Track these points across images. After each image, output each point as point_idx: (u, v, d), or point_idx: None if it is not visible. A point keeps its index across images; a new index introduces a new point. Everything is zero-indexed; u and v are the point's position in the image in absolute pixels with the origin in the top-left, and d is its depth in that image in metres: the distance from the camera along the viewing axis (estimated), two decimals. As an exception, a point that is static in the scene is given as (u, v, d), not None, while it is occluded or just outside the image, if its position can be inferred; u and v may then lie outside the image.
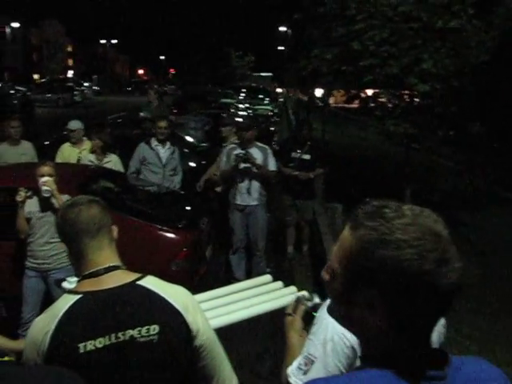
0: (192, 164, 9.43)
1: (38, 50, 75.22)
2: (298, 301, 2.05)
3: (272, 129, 20.41)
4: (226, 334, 2.40)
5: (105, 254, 1.95)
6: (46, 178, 4.78)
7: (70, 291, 1.91)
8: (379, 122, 9.48)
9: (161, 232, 5.52)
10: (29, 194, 4.84)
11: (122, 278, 1.91)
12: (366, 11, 8.73)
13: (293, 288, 3.03)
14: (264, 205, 6.89)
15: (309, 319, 1.99)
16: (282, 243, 8.15)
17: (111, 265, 1.93)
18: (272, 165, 6.80)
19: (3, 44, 65.51)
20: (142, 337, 1.82)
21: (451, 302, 1.11)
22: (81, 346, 1.76)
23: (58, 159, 7.29)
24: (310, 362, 1.84)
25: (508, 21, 8.37)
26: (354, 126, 24.11)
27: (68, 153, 7.48)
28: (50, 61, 74.26)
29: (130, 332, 1.81)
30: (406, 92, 9.44)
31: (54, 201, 4.82)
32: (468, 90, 8.77)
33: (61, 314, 1.80)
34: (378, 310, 1.10)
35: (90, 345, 1.77)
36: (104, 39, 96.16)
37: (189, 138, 11.31)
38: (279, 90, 54.33)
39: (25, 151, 7.51)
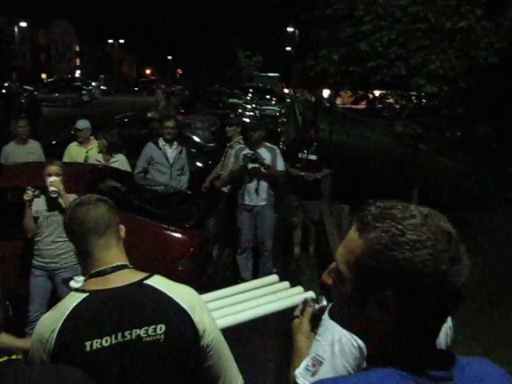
0: (199, 164, 9.43)
1: (46, 49, 75.53)
2: (305, 303, 2.04)
3: (279, 129, 20.41)
4: (232, 333, 2.40)
5: (112, 253, 1.95)
6: (53, 178, 4.79)
7: (77, 289, 1.91)
8: (387, 123, 9.46)
9: (168, 232, 5.52)
10: (36, 193, 4.85)
11: (130, 277, 1.91)
12: (373, 12, 8.71)
13: (299, 288, 3.02)
14: (272, 205, 6.89)
15: (316, 321, 1.98)
16: (288, 244, 8.14)
17: (118, 264, 1.93)
18: (280, 165, 6.79)
19: (11, 44, 65.78)
20: (149, 336, 1.81)
21: (460, 301, 1.11)
22: (87, 344, 1.76)
23: (66, 158, 7.30)
24: (317, 363, 1.84)
25: (517, 22, 8.33)
26: (362, 127, 24.08)
27: (75, 152, 7.50)
28: (58, 61, 74.55)
29: (137, 331, 1.81)
30: (414, 93, 9.42)
31: (61, 200, 4.83)
32: (476, 91, 8.74)
33: (67, 311, 1.80)
34: (390, 311, 1.09)
35: (97, 343, 1.77)
36: (111, 39, 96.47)
37: (196, 138, 11.32)
38: (286, 91, 54.33)
39: (32, 150, 7.53)
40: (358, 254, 1.12)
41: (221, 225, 7.00)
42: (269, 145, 6.90)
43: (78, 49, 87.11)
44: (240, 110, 19.30)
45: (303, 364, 1.87)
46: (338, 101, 28.38)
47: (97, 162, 6.95)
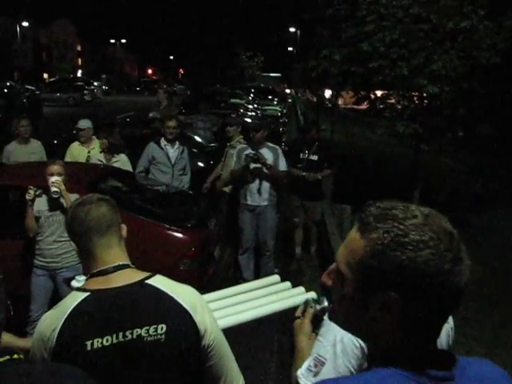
0: (201, 164, 9.43)
1: (48, 49, 75.58)
2: (307, 304, 2.04)
3: (281, 129, 20.39)
4: (233, 334, 2.40)
5: (114, 253, 1.95)
6: (55, 178, 4.79)
7: (79, 289, 1.90)
8: (389, 124, 9.46)
9: (169, 231, 5.52)
10: (38, 192, 4.85)
11: (131, 276, 1.91)
12: (376, 12, 8.71)
13: (301, 288, 3.02)
14: (274, 205, 6.89)
15: (317, 322, 1.98)
16: (290, 244, 8.14)
17: (120, 263, 1.93)
18: (283, 165, 6.79)
19: (13, 43, 65.83)
20: (150, 336, 1.81)
21: (461, 300, 1.11)
22: (88, 343, 1.76)
23: (67, 158, 7.31)
24: (320, 364, 1.84)
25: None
26: (364, 127, 24.07)
27: (77, 152, 7.51)
28: (59, 60, 74.60)
29: (138, 331, 1.81)
30: (416, 93, 9.41)
31: (62, 200, 4.83)
32: (478, 91, 8.73)
33: (69, 311, 1.80)
34: (392, 311, 1.09)
35: (98, 342, 1.77)
36: (113, 39, 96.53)
37: (197, 138, 11.31)
38: (288, 91, 54.33)
39: (34, 150, 7.54)
40: (359, 255, 1.12)
41: (222, 225, 7.00)
42: (271, 145, 6.90)
43: (79, 48, 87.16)
44: (242, 110, 19.26)
45: (305, 364, 1.87)
46: (340, 101, 28.41)
47: (99, 162, 6.96)
